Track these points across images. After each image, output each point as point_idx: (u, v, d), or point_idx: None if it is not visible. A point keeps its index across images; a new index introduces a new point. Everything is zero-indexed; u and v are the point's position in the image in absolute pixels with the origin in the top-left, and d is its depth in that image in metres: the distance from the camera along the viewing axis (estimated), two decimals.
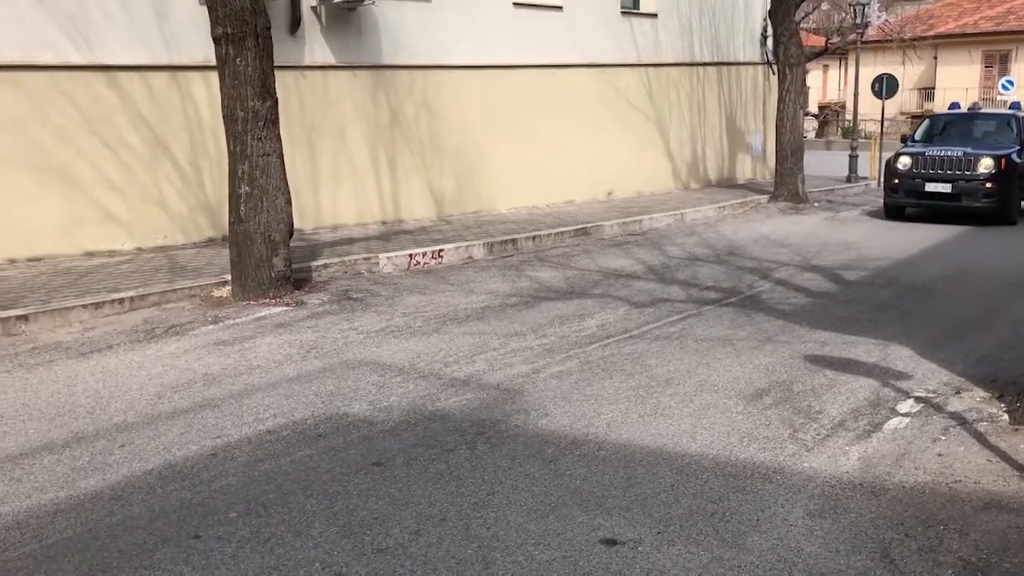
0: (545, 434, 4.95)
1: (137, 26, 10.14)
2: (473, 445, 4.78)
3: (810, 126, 42.96)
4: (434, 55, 13.55)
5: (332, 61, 12.17)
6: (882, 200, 15.77)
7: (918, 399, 5.48)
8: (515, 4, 14.86)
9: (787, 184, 17.21)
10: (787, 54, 17.19)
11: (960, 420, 5.08)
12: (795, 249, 11.67)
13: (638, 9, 17.93)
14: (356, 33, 12.44)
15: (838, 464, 4.51)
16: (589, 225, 13.08)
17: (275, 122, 8.09)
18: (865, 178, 21.54)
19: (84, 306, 7.55)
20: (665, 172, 18.40)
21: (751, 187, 19.23)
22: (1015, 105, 16.91)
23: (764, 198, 17.24)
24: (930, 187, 14.26)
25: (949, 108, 17.24)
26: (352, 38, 12.40)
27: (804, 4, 26.85)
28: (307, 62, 11.89)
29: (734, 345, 6.84)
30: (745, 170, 21.09)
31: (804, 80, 18.37)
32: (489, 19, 14.30)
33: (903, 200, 14.72)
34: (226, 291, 8.33)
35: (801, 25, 29.24)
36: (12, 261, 9.38)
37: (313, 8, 11.90)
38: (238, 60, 7.81)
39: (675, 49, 18.66)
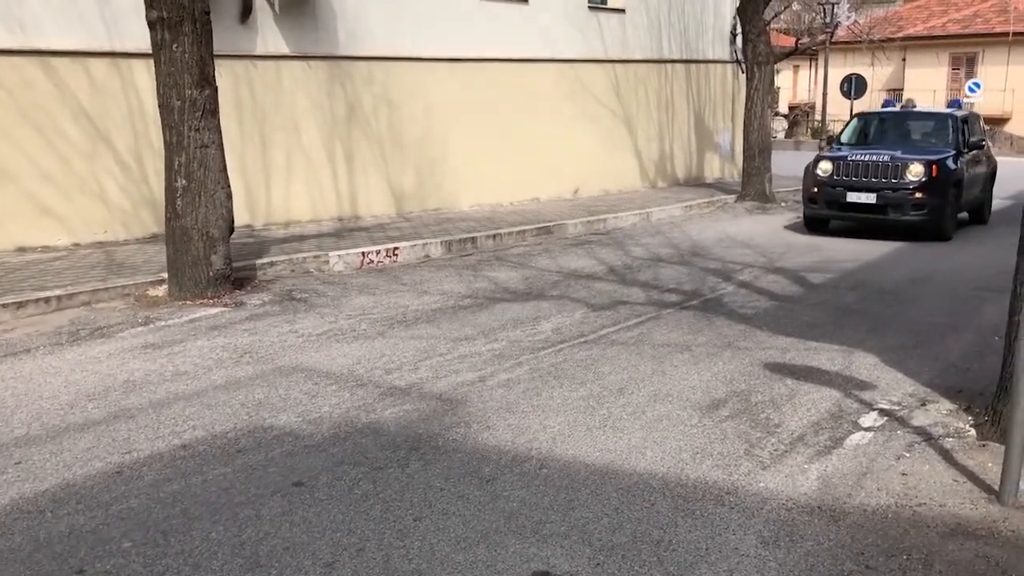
0: (485, 450, 4.59)
1: (76, 8, 9.64)
2: (405, 463, 4.41)
3: (780, 126, 42.93)
4: (395, 47, 13.14)
5: (285, 51, 11.72)
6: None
7: (882, 412, 5.19)
8: None
9: (754, 184, 16.97)
10: (755, 52, 16.95)
11: (925, 435, 4.78)
12: (760, 250, 11.41)
13: (605, 4, 17.60)
14: (311, 22, 11.99)
15: (796, 484, 4.20)
16: (552, 224, 12.74)
17: (214, 112, 7.66)
18: None
19: (4, 306, 7.09)
20: (633, 170, 18.10)
21: (719, 186, 18.98)
22: (955, 103, 14.84)
23: (731, 198, 16.99)
24: (852, 197, 12.20)
25: (883, 106, 15.52)
26: (307, 27, 11.95)
27: (774, 3, 26.83)
28: (259, 51, 11.44)
29: (692, 351, 6.53)
30: (713, 169, 20.85)
31: (772, 79, 18.16)
32: (453, 11, 13.90)
33: (823, 212, 12.71)
34: (162, 290, 7.89)
35: (771, 25, 29.28)
36: None
37: None
38: (174, 46, 7.37)
39: (643, 46, 18.36)
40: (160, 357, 6.20)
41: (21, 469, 4.27)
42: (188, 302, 7.64)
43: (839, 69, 31.88)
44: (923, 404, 5.32)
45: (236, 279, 8.36)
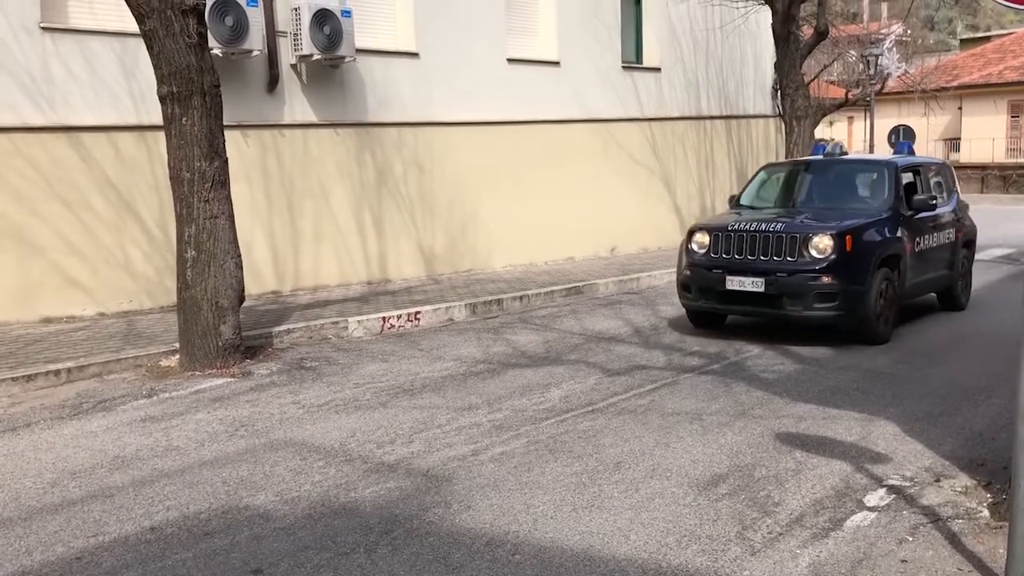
0: (460, 532, 4.38)
1: (103, 85, 9.90)
2: (374, 548, 4.22)
3: None
4: (424, 112, 13.24)
5: (313, 119, 11.88)
6: None
7: (891, 488, 4.84)
8: (509, 60, 14.55)
9: None
10: (794, 107, 16.69)
11: (933, 516, 4.43)
12: None
13: (641, 64, 17.60)
14: (339, 90, 12.15)
15: (784, 573, 3.89)
16: (583, 283, 12.55)
17: (224, 183, 7.72)
18: None
19: (14, 379, 7.13)
20: (672, 227, 17.84)
21: None
22: (902, 147, 11.10)
23: None
24: (734, 283, 8.70)
25: (812, 152, 11.75)
26: (335, 95, 12.11)
27: (822, 56, 26.56)
28: (286, 120, 11.60)
29: (702, 421, 6.24)
30: None
31: (813, 133, 17.82)
32: (482, 74, 13.99)
33: (697, 302, 9.23)
34: (174, 361, 7.89)
35: (823, 77, 28.95)
36: None
37: (293, 66, 11.65)
38: (184, 119, 7.47)
39: (680, 103, 18.26)
40: (156, 431, 6.15)
41: None
42: (197, 373, 7.62)
43: (892, 119, 31.34)
44: (937, 480, 4.96)
45: (249, 347, 8.34)
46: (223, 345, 7.73)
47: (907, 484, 4.91)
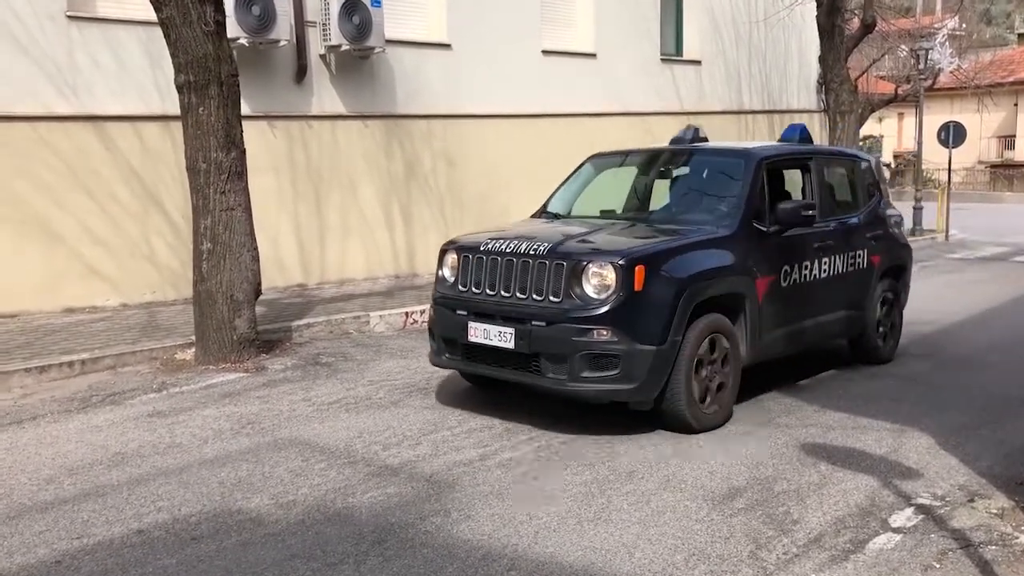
0: (456, 544, 4.16)
1: (128, 74, 9.85)
2: (363, 559, 4.02)
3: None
4: (455, 104, 13.03)
5: (342, 111, 11.73)
6: (938, 257, 13.74)
7: (919, 508, 4.53)
8: (544, 52, 14.29)
9: None
10: (838, 101, 16.26)
11: (964, 541, 4.11)
12: None
13: (680, 56, 17.22)
14: (368, 81, 11.99)
15: None
16: None
17: (241, 175, 7.58)
18: (932, 231, 20.24)
19: (27, 370, 7.07)
20: None
21: None
22: (791, 131, 7.53)
23: None
24: (476, 332, 5.95)
25: (671, 142, 7.76)
26: (364, 86, 11.96)
27: (870, 50, 25.85)
28: (314, 112, 11.47)
29: (724, 428, 5.96)
30: None
31: (857, 129, 17.33)
32: (516, 66, 13.75)
33: (440, 357, 6.39)
34: (189, 354, 7.78)
35: (872, 71, 28.22)
36: None
37: (322, 56, 11.51)
38: (200, 109, 7.34)
39: (721, 97, 17.85)
40: (161, 427, 6.02)
41: None
42: (211, 367, 7.50)
43: (944, 115, 30.42)
44: (971, 500, 4.63)
45: (267, 341, 8.21)
46: (238, 339, 7.60)
47: (937, 504, 4.58)
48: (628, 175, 7.58)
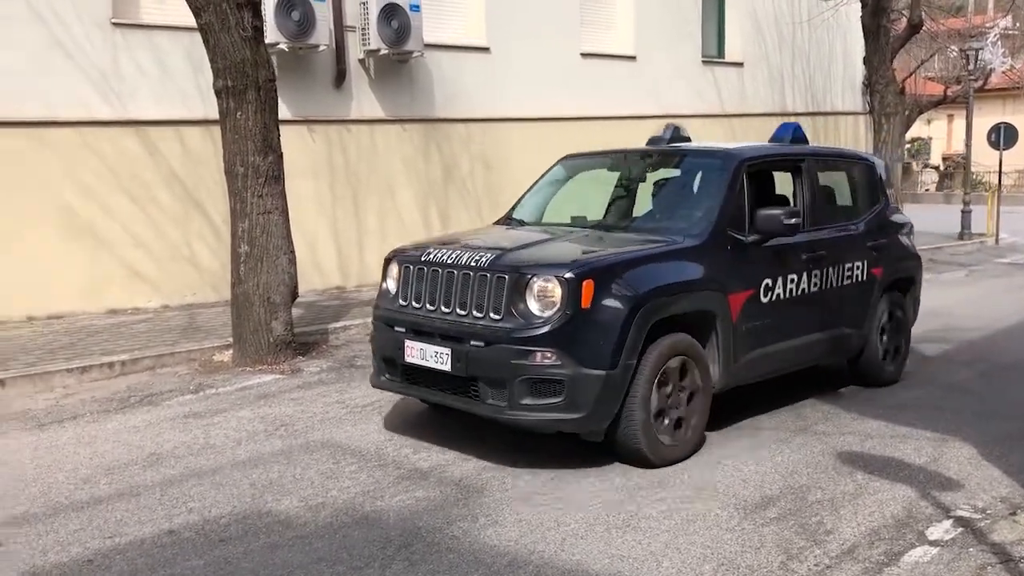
0: (482, 550, 4.14)
1: (171, 79, 10.01)
2: (389, 563, 4.02)
3: (930, 179, 40.56)
4: (494, 107, 13.04)
5: (380, 115, 11.81)
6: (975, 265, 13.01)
7: (959, 521, 4.40)
8: (583, 54, 14.27)
9: None
10: (883, 103, 15.95)
11: (1004, 556, 3.99)
12: None
13: (722, 58, 17.08)
14: (407, 85, 12.06)
15: None
16: None
17: (278, 178, 7.65)
18: (981, 235, 19.79)
19: (69, 370, 7.20)
20: None
21: None
22: (784, 130, 6.83)
23: None
24: (413, 351, 5.44)
25: (648, 142, 7.04)
26: (402, 90, 12.02)
27: (921, 50, 25.39)
28: (353, 116, 11.56)
29: (759, 436, 5.86)
30: None
31: (903, 131, 17.01)
32: (555, 69, 13.73)
33: (380, 378, 5.85)
34: (227, 356, 7.87)
35: (920, 72, 27.68)
36: (31, 319, 9.23)
37: (361, 61, 11.60)
38: (238, 114, 7.43)
39: (764, 99, 17.67)
40: (196, 428, 6.09)
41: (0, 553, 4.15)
42: (248, 368, 7.57)
43: (994, 118, 29.74)
44: (1013, 513, 4.49)
45: (304, 343, 8.28)
46: (274, 341, 7.67)
47: (977, 516, 4.46)
48: (602, 178, 6.95)
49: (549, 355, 4.91)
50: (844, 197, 7.11)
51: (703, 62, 16.35)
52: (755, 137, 17.30)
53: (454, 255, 5.42)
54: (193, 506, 4.69)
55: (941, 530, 4.30)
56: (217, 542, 4.25)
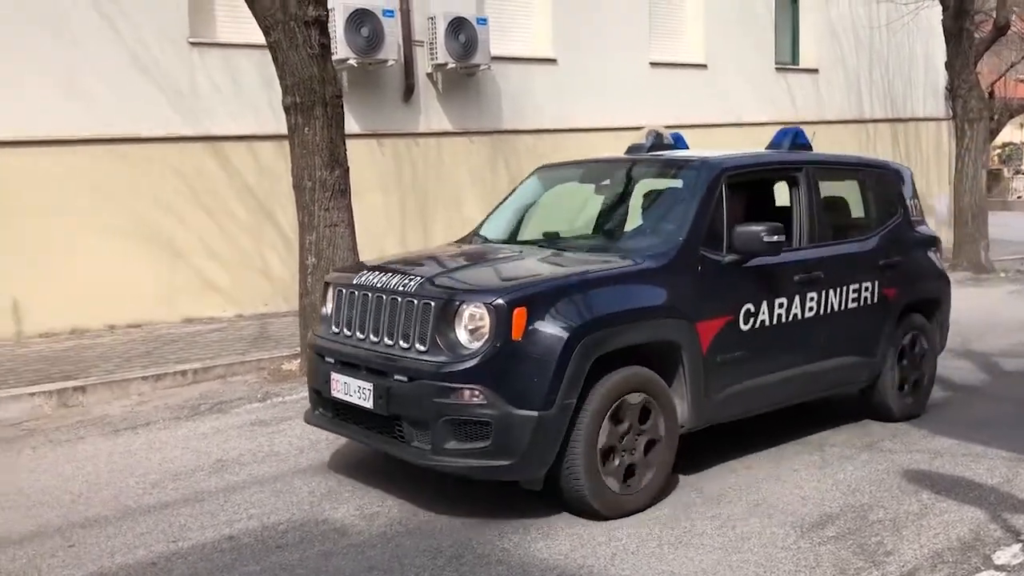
0: (532, 563, 4.15)
1: (244, 96, 10.31)
2: (439, 573, 4.06)
3: (1021, 185, 39.07)
4: (562, 118, 13.07)
5: (448, 127, 11.95)
6: None
7: None
8: (652, 63, 14.20)
9: (966, 253, 15.33)
10: (966, 108, 15.46)
11: None
12: (956, 328, 9.99)
13: (796, 64, 16.78)
14: (474, 98, 12.18)
15: None
16: None
17: (344, 192, 7.81)
18: None
19: (144, 378, 7.47)
20: None
21: None
22: (782, 136, 6.29)
23: (944, 266, 15.40)
24: (338, 387, 4.97)
25: (627, 151, 6.54)
26: (470, 103, 12.15)
27: (1011, 52, 24.48)
28: (421, 129, 11.73)
29: (823, 452, 5.74)
30: None
31: (988, 136, 16.45)
32: (624, 79, 13.69)
33: (315, 412, 5.36)
34: (295, 365, 8.04)
35: (1010, 75, 26.69)
36: (111, 327, 9.60)
37: (429, 75, 11.76)
38: (306, 129, 7.61)
39: (840, 106, 17.29)
40: (262, 436, 6.25)
41: (69, 554, 4.32)
42: None
43: None
44: None
45: None
46: None
47: None
48: (577, 191, 6.38)
49: (475, 393, 4.36)
50: (852, 210, 6.50)
51: (776, 69, 16.10)
52: (831, 144, 16.93)
53: (384, 278, 4.92)
54: (253, 512, 4.82)
55: (1009, 554, 4.14)
56: (274, 548, 4.35)
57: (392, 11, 10.91)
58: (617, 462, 4.65)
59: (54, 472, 5.57)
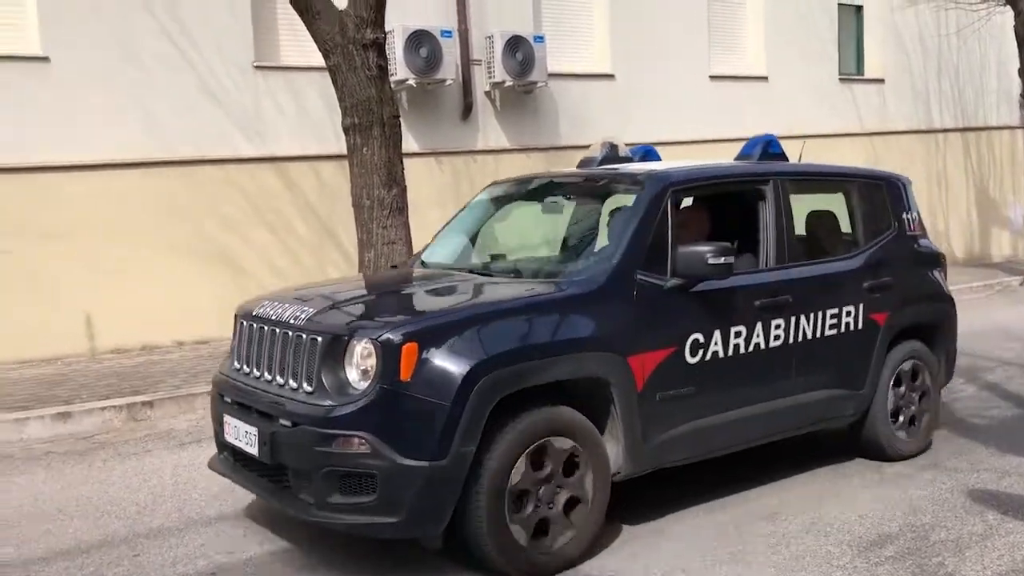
0: None
1: (307, 117, 10.56)
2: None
3: None
4: (620, 133, 13.00)
5: (505, 144, 12.05)
6: None
7: None
8: (712, 77, 14.11)
9: None
10: None
11: None
12: None
13: (861, 75, 16.50)
14: (532, 115, 12.26)
15: None
16: None
17: (402, 210, 7.93)
18: None
19: (209, 393, 7.65)
20: None
21: (1006, 267, 16.79)
22: (752, 146, 6.13)
23: (1017, 280, 14.96)
24: (229, 429, 4.63)
25: (579, 164, 6.14)
26: (527, 120, 12.24)
27: None
28: (479, 146, 11.85)
29: (883, 469, 5.62)
30: (1002, 247, 18.57)
31: None
32: (683, 93, 13.64)
33: (218, 456, 5.01)
34: None
35: None
36: (180, 343, 9.89)
37: (486, 93, 11.89)
38: (364, 149, 7.76)
39: (907, 115, 16.93)
40: None
41: (133, 563, 4.47)
42: None
43: None
44: None
45: None
46: None
47: None
48: (527, 210, 5.85)
49: (359, 440, 3.85)
50: (835, 225, 5.96)
51: (840, 80, 15.85)
52: (897, 155, 16.61)
53: (279, 309, 4.49)
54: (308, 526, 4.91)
55: None
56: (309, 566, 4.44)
57: (450, 31, 11.07)
58: (530, 509, 4.07)
59: (122, 484, 5.76)
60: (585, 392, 4.36)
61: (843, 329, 5.39)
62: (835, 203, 5.96)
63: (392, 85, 8.18)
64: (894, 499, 5.08)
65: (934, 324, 6.08)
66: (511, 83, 11.55)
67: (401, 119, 7.98)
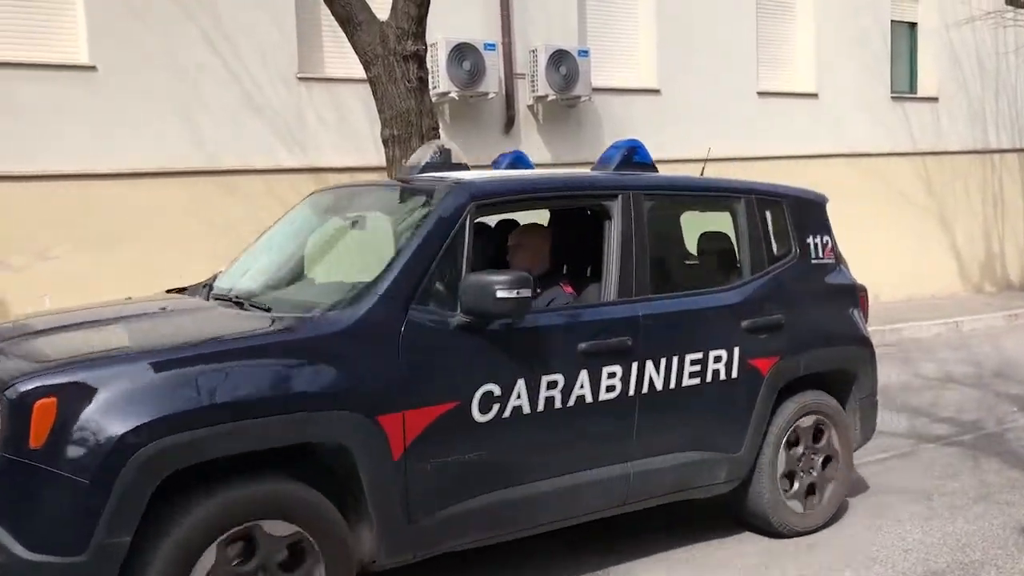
0: None
1: (349, 129, 10.56)
2: None
3: None
4: (665, 149, 12.77)
5: (547, 158, 11.92)
6: None
7: None
8: (760, 93, 13.88)
9: None
10: None
11: None
12: None
13: (914, 93, 16.12)
14: (575, 129, 12.15)
15: None
16: None
17: None
18: None
19: None
20: (949, 273, 16.11)
21: None
22: (614, 151, 4.90)
23: None
24: None
25: (493, 163, 6.19)
26: (570, 134, 12.12)
27: None
28: None
29: (932, 502, 5.37)
30: None
31: None
32: (729, 109, 13.41)
33: None
34: None
35: None
36: None
37: (530, 107, 11.81)
38: (403, 161, 7.69)
39: (962, 135, 16.49)
40: None
41: None
42: None
43: None
44: None
45: None
46: None
47: None
48: (339, 225, 4.77)
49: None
50: (712, 249, 4.97)
51: (892, 98, 15.49)
52: (951, 175, 16.19)
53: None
54: None
55: None
56: None
57: (494, 44, 11.02)
58: None
59: None
60: (320, 464, 3.43)
61: (710, 378, 4.38)
62: (722, 223, 4.94)
63: (435, 97, 8.14)
64: (942, 533, 4.84)
65: (845, 371, 5.06)
66: (554, 97, 11.45)
67: (442, 131, 7.92)
